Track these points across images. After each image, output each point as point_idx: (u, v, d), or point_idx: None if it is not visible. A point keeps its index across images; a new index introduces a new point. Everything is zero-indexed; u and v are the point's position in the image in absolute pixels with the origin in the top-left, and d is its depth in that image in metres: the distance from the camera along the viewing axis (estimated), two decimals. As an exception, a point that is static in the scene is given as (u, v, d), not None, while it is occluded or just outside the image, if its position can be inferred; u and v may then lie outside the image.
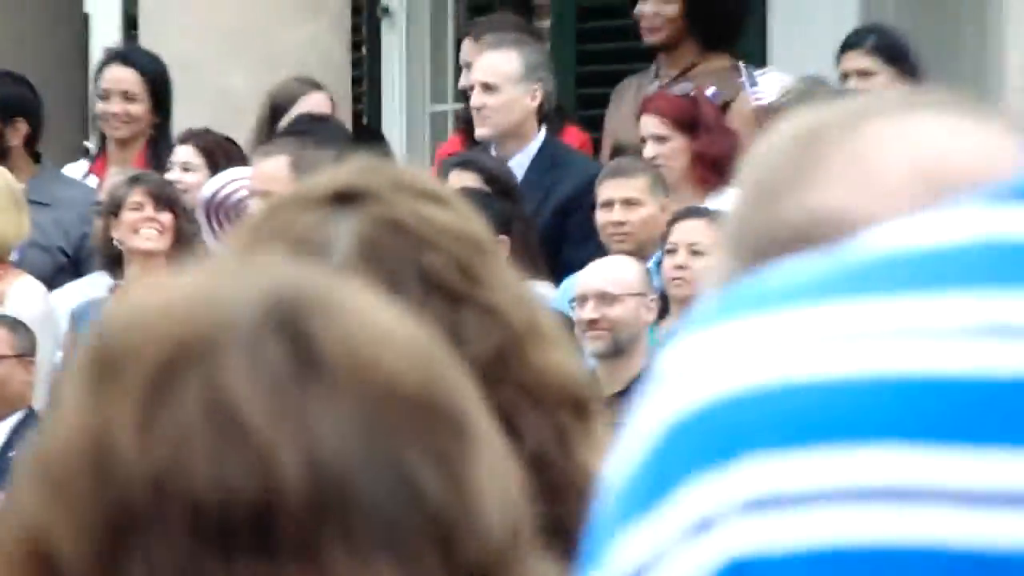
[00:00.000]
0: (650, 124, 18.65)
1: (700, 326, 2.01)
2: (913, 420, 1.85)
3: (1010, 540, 1.79)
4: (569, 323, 14.72)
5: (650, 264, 16.32)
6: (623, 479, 2.01)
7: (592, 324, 15.43)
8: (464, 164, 18.93)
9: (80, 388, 2.57)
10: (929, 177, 3.25)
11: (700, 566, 1.88)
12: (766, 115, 19.89)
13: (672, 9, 21.12)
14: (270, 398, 2.46)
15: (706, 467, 1.93)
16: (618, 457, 2.03)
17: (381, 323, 2.73)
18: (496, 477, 2.66)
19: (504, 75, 19.63)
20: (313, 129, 17.11)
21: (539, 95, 20.10)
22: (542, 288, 14.56)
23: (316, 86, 19.54)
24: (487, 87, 19.92)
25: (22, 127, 20.85)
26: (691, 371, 1.99)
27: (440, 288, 4.68)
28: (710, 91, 20.76)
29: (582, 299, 15.31)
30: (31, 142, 22.12)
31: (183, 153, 19.44)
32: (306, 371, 2.52)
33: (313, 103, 18.88)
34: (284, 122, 19.60)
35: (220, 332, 2.53)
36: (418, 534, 2.54)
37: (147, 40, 21.17)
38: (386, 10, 25.78)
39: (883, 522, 1.81)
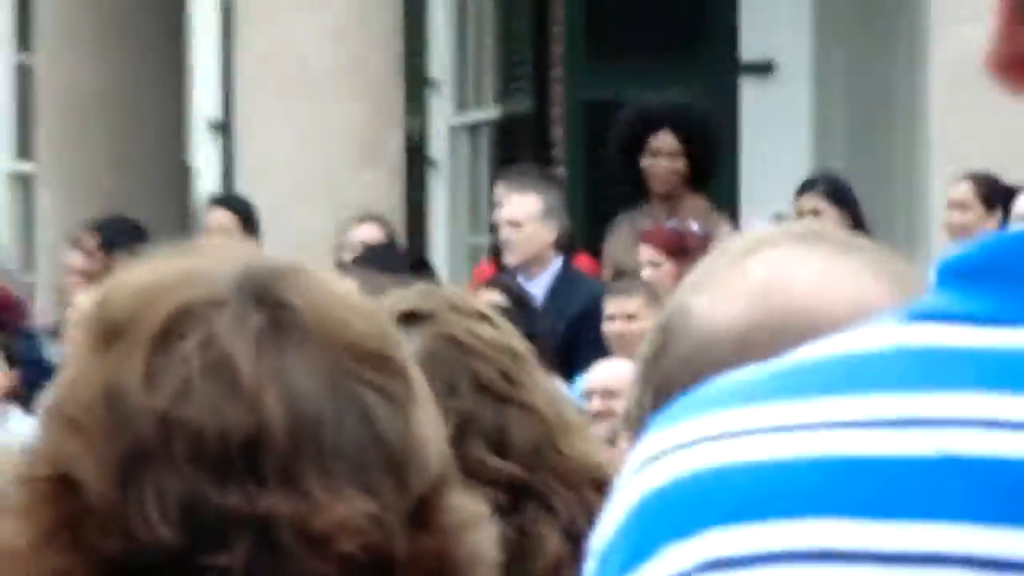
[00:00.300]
0: (647, 252, 18.80)
1: (663, 424, 2.01)
2: (838, 495, 1.84)
3: None
4: (583, 413, 15.01)
5: None
6: (607, 544, 2.00)
7: (596, 416, 15.41)
8: (495, 285, 18.41)
9: (89, 348, 2.89)
10: (780, 306, 3.30)
11: None
12: None
13: (680, 164, 20.85)
14: (255, 352, 2.77)
15: (673, 536, 1.90)
16: (602, 527, 2.00)
17: (341, 292, 3.06)
18: (432, 421, 3.00)
19: (527, 214, 19.94)
20: (377, 257, 17.31)
21: (556, 230, 20.37)
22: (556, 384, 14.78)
23: (375, 219, 19.64)
24: (514, 223, 20.18)
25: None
26: (657, 459, 1.96)
27: (488, 391, 4.65)
28: (695, 226, 19.80)
29: (589, 393, 15.64)
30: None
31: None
32: (282, 330, 2.85)
33: (368, 233, 18.94)
34: (347, 250, 19.56)
35: (210, 299, 2.84)
36: (378, 466, 2.87)
37: (241, 188, 21.19)
38: (432, 162, 25.59)
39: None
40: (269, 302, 2.85)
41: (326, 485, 2.78)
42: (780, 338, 2.82)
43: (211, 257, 3.14)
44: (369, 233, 19.86)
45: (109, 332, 2.84)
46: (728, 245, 4.12)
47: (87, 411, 2.81)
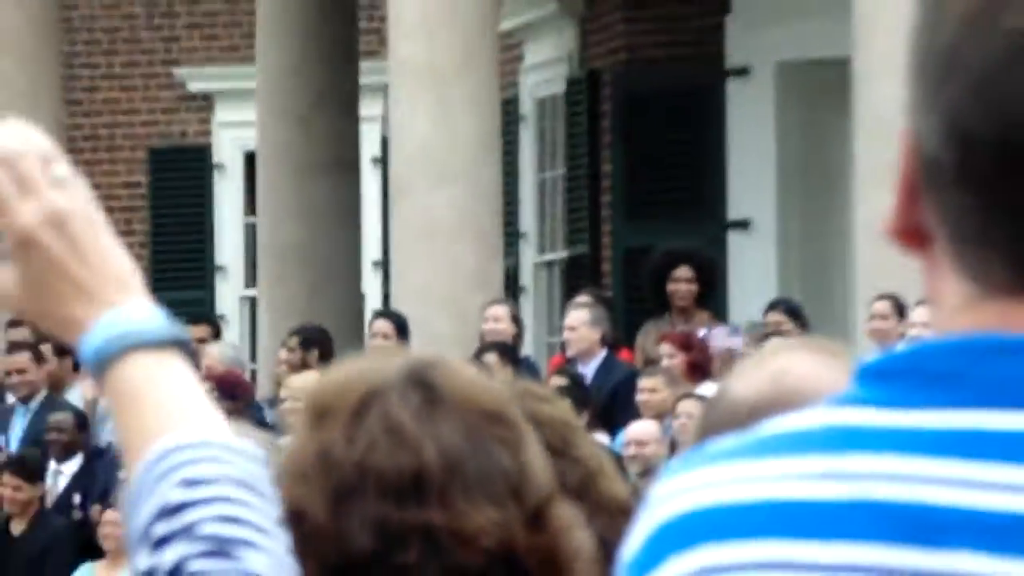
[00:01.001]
0: (666, 348, 19.03)
1: (672, 473, 1.79)
2: (787, 525, 1.71)
3: None
4: (619, 458, 15.04)
5: (665, 424, 16.70)
6: (629, 559, 1.80)
7: (631, 458, 16.00)
8: (561, 372, 19.23)
9: (307, 423, 3.09)
10: (785, 388, 3.43)
11: None
12: (730, 353, 19.71)
13: (694, 288, 20.83)
14: (416, 419, 2.98)
15: (677, 551, 1.74)
16: (629, 544, 1.79)
17: (469, 375, 3.28)
18: (538, 457, 3.19)
19: (580, 322, 20.35)
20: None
21: (599, 333, 20.47)
22: (601, 437, 15.23)
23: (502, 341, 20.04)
24: (570, 329, 20.47)
25: (315, 353, 19.52)
26: (667, 498, 1.80)
27: (550, 448, 3.93)
28: (701, 331, 20.02)
29: (627, 443, 15.91)
30: (325, 363, 19.25)
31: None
32: (433, 404, 3.05)
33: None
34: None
35: (384, 386, 3.02)
36: (502, 488, 3.06)
37: (395, 305, 20.86)
38: (523, 288, 24.96)
39: None
40: (424, 385, 3.05)
41: (468, 502, 2.97)
42: (783, 408, 2.59)
43: (382, 357, 3.36)
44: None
45: (320, 411, 3.02)
46: (760, 352, 4.74)
47: (309, 465, 2.96)
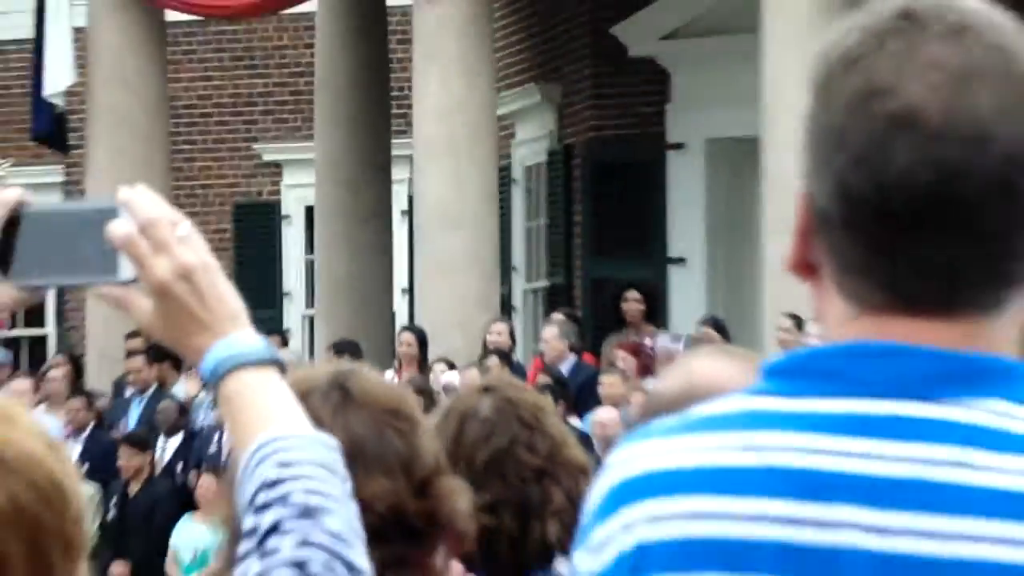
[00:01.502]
0: (621, 354, 19.08)
1: (623, 446, 1.94)
2: (707, 483, 1.80)
3: (758, 533, 1.81)
4: (587, 438, 15.26)
5: (622, 411, 16.35)
6: (592, 509, 1.93)
7: (597, 437, 15.74)
8: (545, 372, 18.64)
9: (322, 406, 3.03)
10: (696, 386, 3.27)
11: (625, 547, 1.83)
12: (671, 356, 17.89)
13: (642, 307, 20.51)
14: (332, 414, 2.97)
15: (628, 503, 1.86)
16: (591, 500, 1.94)
17: (378, 380, 3.30)
18: (428, 439, 3.21)
19: (551, 336, 20.19)
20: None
21: (567, 342, 20.01)
22: (574, 421, 15.18)
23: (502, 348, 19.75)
24: (545, 341, 20.35)
25: (346, 359, 17.28)
26: (620, 464, 1.91)
27: (526, 424, 4.38)
28: (647, 340, 19.95)
29: (593, 425, 15.85)
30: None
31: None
32: (345, 401, 3.06)
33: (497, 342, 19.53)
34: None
35: (313, 388, 2.97)
36: (394, 465, 3.07)
37: (418, 323, 20.73)
38: (515, 310, 24.62)
39: (702, 527, 1.81)
40: (340, 388, 3.06)
41: (366, 476, 2.88)
42: (693, 400, 2.50)
43: (319, 367, 3.37)
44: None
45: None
46: (682, 358, 4.60)
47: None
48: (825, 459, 1.78)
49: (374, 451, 3.10)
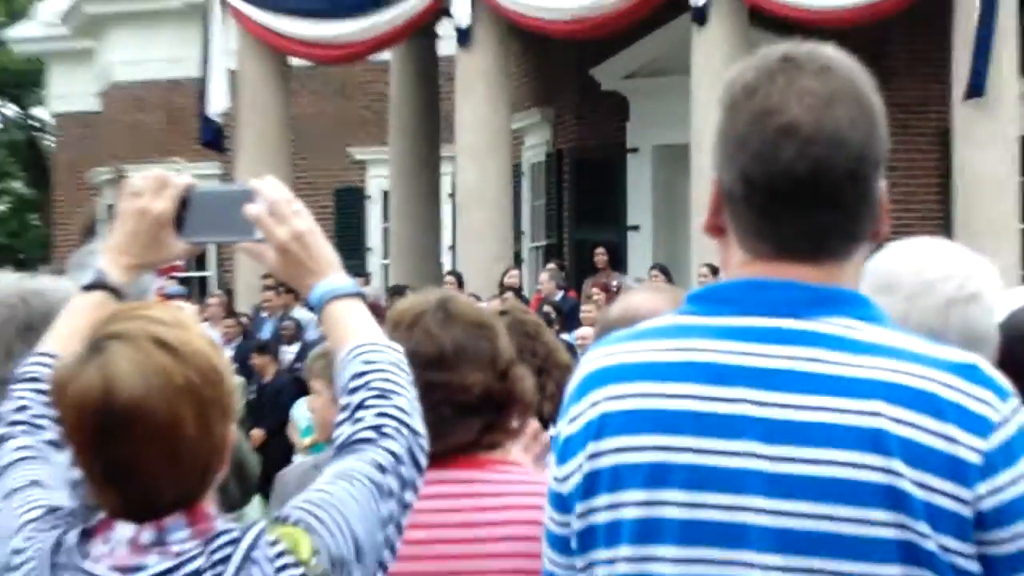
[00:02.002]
0: (595, 290, 17.56)
1: (591, 350, 1.96)
2: (646, 374, 1.80)
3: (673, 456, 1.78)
4: (573, 347, 13.65)
5: (596, 329, 15.62)
6: (569, 393, 1.93)
7: (580, 347, 13.87)
8: (545, 302, 17.86)
9: (388, 329, 2.70)
10: (631, 311, 3.06)
11: (591, 417, 1.83)
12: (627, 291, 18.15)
13: (607, 259, 19.90)
14: (439, 325, 2.78)
15: (594, 388, 1.85)
16: (569, 388, 1.93)
17: (469, 303, 3.16)
18: (505, 343, 2.98)
19: (545, 279, 19.01)
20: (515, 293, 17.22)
21: (555, 283, 18.80)
22: (564, 336, 14.27)
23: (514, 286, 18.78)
24: (541, 283, 19.65)
25: (397, 299, 16.42)
26: (588, 362, 1.91)
27: (528, 335, 4.07)
28: (614, 281, 18.62)
29: (577, 339, 14.49)
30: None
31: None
32: (448, 318, 2.82)
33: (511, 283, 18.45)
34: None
35: (424, 309, 2.80)
36: (485, 361, 2.90)
37: (457, 268, 20.47)
38: (522, 260, 23.97)
39: (644, 403, 1.77)
40: (444, 309, 2.86)
41: (468, 369, 2.84)
42: (633, 320, 2.41)
43: (425, 295, 3.07)
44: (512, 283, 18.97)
45: (394, 323, 2.86)
46: (625, 293, 4.52)
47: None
48: (727, 356, 1.82)
49: (472, 352, 2.96)
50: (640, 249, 23.17)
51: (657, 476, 1.82)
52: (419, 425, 2.19)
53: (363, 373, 2.19)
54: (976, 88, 15.55)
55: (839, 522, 1.71)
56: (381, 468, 2.10)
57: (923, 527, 1.66)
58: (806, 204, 1.79)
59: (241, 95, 22.32)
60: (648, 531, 1.82)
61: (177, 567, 1.88)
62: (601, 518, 1.87)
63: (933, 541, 1.67)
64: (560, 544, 1.97)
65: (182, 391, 1.90)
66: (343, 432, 2.13)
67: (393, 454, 2.12)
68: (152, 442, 1.89)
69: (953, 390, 1.71)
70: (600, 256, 20.25)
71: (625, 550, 1.85)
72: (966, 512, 1.68)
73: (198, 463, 1.94)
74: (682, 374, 1.86)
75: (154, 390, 1.87)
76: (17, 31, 31.65)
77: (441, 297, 3.07)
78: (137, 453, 1.88)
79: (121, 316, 1.96)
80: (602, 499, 1.87)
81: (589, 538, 1.90)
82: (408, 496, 2.14)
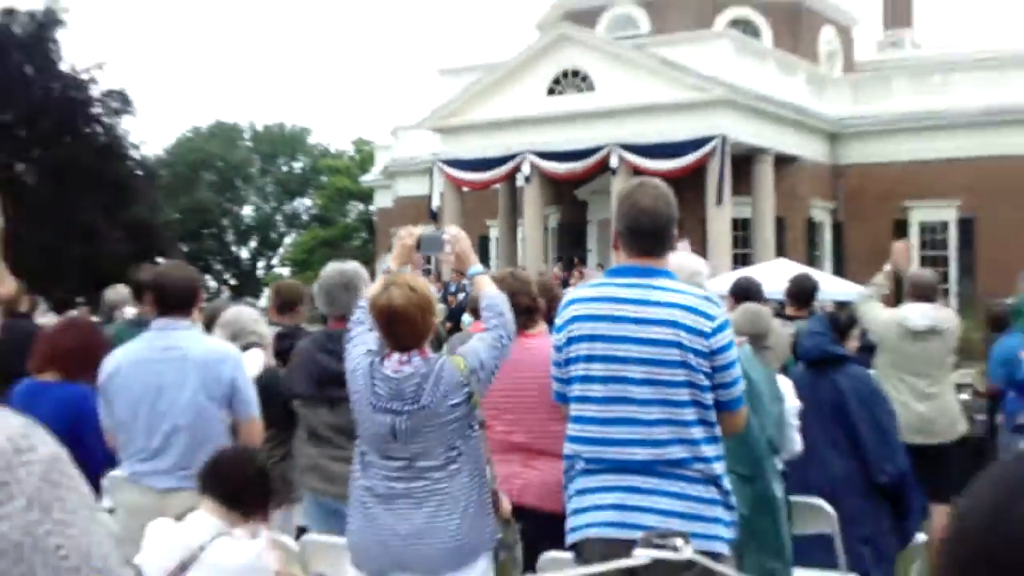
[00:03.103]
0: (577, 271, 19.73)
1: (576, 288, 2.04)
2: (586, 298, 2.25)
3: None
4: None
5: None
6: (561, 305, 2.46)
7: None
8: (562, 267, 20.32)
9: None
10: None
11: (567, 316, 2.54)
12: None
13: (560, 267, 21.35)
14: (511, 283, 3.75)
15: (570, 304, 2.63)
16: (560, 304, 2.36)
17: (522, 273, 4.00)
18: (533, 290, 4.07)
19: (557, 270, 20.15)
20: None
21: (557, 273, 19.83)
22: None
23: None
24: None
25: None
26: (570, 294, 2.33)
27: (542, 286, 4.64)
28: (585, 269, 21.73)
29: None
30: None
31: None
32: (514, 277, 3.86)
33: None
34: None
35: (504, 274, 3.74)
36: (525, 294, 4.10)
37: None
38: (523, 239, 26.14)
39: (582, 308, 2.27)
40: (512, 274, 4.21)
41: (520, 296, 4.17)
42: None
43: (502, 271, 4.20)
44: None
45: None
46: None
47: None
48: (619, 291, 3.18)
49: (522, 290, 4.39)
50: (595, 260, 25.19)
51: (591, 338, 3.26)
52: (511, 322, 3.72)
53: (489, 305, 3.70)
54: (719, 198, 23.40)
55: (662, 354, 3.19)
56: (496, 338, 3.71)
57: (690, 356, 3.23)
58: (648, 236, 3.10)
59: (445, 200, 27.10)
60: (589, 359, 3.30)
61: (415, 371, 3.60)
62: (572, 353, 3.32)
63: (694, 361, 3.24)
64: (557, 365, 3.46)
65: (417, 304, 3.51)
66: (484, 327, 3.73)
67: (500, 335, 3.71)
68: (407, 323, 3.56)
69: (702, 301, 3.23)
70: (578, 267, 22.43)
71: (581, 366, 3.32)
72: (705, 350, 3.25)
73: (423, 331, 3.61)
74: (601, 299, 3.12)
75: (407, 303, 3.51)
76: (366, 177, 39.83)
77: (510, 270, 4.67)
78: (400, 327, 3.56)
79: (396, 278, 3.62)
80: (572, 348, 3.32)
81: (567, 362, 3.36)
82: (505, 349, 3.70)
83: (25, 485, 0.99)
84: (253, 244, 56.79)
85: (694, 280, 3.80)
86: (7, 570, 0.98)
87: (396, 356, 3.65)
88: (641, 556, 2.88)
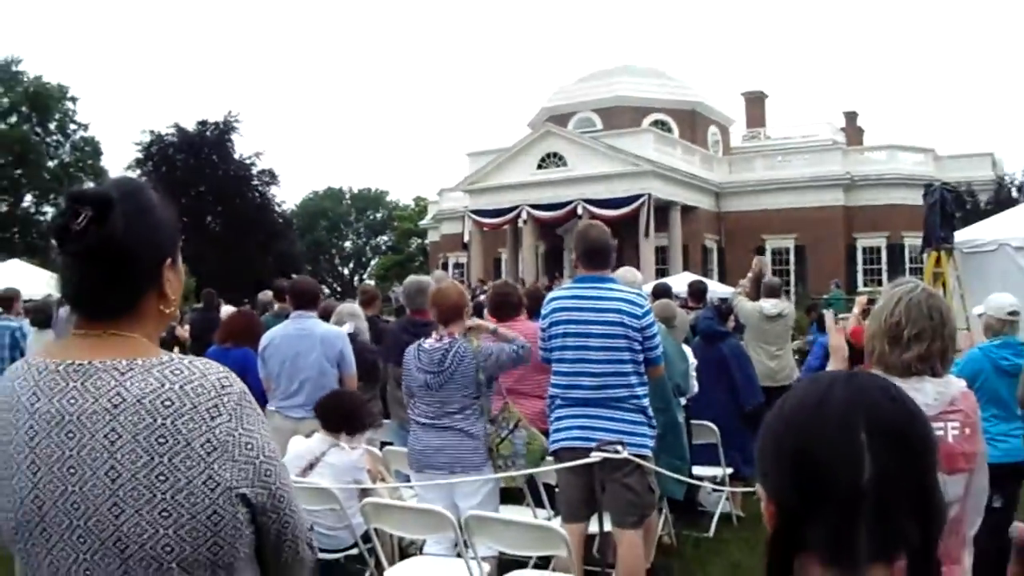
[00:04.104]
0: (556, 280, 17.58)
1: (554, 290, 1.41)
2: (560, 296, 1.74)
3: None
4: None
5: None
6: (545, 302, 1.97)
7: None
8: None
9: None
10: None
11: (549, 308, 1.95)
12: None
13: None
14: None
15: (551, 301, 2.11)
16: (544, 301, 1.86)
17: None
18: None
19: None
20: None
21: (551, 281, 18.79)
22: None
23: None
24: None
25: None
26: (551, 293, 1.95)
27: (514, 295, 4.00)
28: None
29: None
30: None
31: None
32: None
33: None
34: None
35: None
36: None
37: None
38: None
39: (558, 303, 1.70)
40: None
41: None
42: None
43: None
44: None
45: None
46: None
47: None
48: (582, 290, 2.84)
49: (513, 292, 3.95)
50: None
51: (566, 322, 3.11)
52: (527, 355, 3.24)
53: (515, 340, 3.28)
54: (647, 233, 23.11)
55: (611, 330, 2.74)
56: (513, 350, 3.31)
57: (630, 331, 2.74)
58: (597, 256, 2.50)
59: (471, 244, 26.29)
60: (564, 335, 3.07)
61: (442, 346, 3.26)
62: (553, 331, 3.14)
63: (632, 333, 2.99)
64: (543, 339, 3.22)
65: (457, 292, 3.13)
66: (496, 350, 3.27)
67: (517, 353, 3.30)
68: (446, 305, 3.19)
69: (636, 296, 2.85)
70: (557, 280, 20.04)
71: (558, 340, 3.11)
72: (638, 326, 3.06)
73: (455, 314, 3.16)
74: (571, 296, 2.95)
75: (450, 291, 3.17)
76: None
77: (507, 281, 4.34)
78: (443, 307, 3.17)
79: (445, 280, 3.32)
80: (552, 328, 3.14)
81: (550, 337, 3.14)
82: (514, 362, 3.28)
83: (227, 407, 1.03)
84: (351, 266, 59.04)
85: (634, 285, 3.71)
86: (221, 457, 1.02)
87: (434, 335, 3.52)
88: (595, 456, 2.90)
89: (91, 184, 1.07)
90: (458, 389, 3.37)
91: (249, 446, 1.04)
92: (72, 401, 0.99)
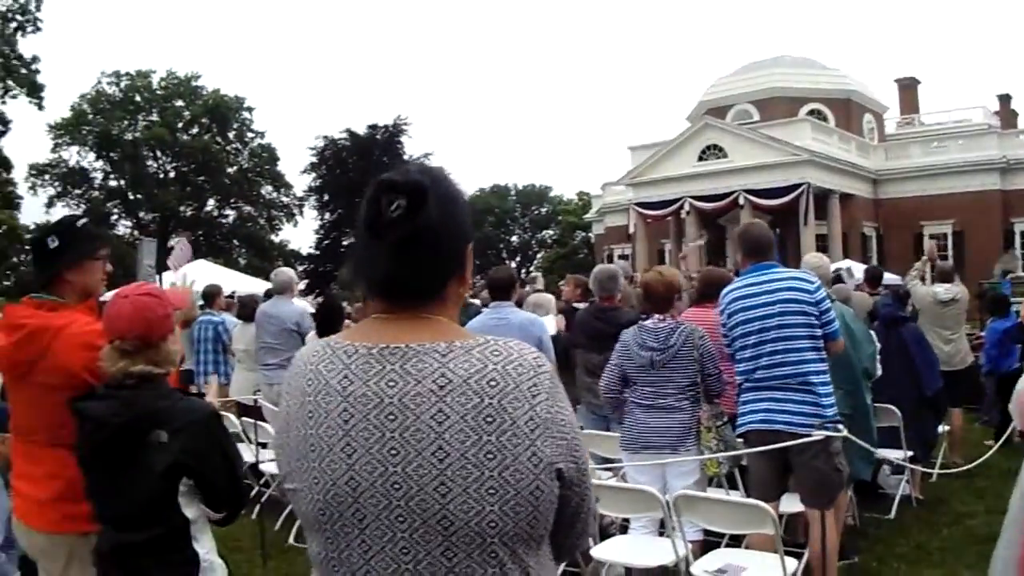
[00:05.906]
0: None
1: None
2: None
3: None
4: None
5: None
6: (721, 301, 1.64)
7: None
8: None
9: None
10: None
11: None
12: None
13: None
14: None
15: (725, 295, 1.72)
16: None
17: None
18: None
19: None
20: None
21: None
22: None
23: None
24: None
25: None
26: (726, 291, 1.66)
27: (670, 287, 3.47)
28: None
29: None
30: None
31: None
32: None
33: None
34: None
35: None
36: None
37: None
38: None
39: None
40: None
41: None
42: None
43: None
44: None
45: None
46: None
47: None
48: (748, 281, 2.46)
49: (669, 285, 3.32)
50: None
51: (741, 310, 2.85)
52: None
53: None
54: (805, 221, 23.82)
55: (788, 308, 2.55)
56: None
57: (809, 308, 2.85)
58: (760, 249, 2.35)
59: (637, 228, 25.60)
60: (744, 322, 2.73)
61: (667, 325, 2.98)
62: (731, 323, 2.84)
63: (808, 309, 2.86)
64: (725, 335, 2.89)
65: (666, 283, 2.89)
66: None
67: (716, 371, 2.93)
68: (657, 295, 2.97)
69: (804, 276, 2.69)
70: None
71: (739, 328, 2.75)
72: (813, 302, 2.85)
73: (668, 302, 2.79)
74: (741, 286, 2.64)
75: (658, 282, 3.00)
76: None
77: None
78: (655, 298, 2.90)
79: (653, 269, 2.83)
80: (729, 320, 2.81)
81: (730, 330, 2.79)
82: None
83: (544, 385, 1.02)
84: (518, 259, 58.75)
85: (820, 269, 3.77)
86: (544, 434, 1.00)
87: (656, 316, 3.44)
88: (818, 435, 2.72)
89: (397, 175, 1.04)
90: (681, 368, 3.36)
91: (563, 422, 1.03)
92: (391, 384, 0.99)
